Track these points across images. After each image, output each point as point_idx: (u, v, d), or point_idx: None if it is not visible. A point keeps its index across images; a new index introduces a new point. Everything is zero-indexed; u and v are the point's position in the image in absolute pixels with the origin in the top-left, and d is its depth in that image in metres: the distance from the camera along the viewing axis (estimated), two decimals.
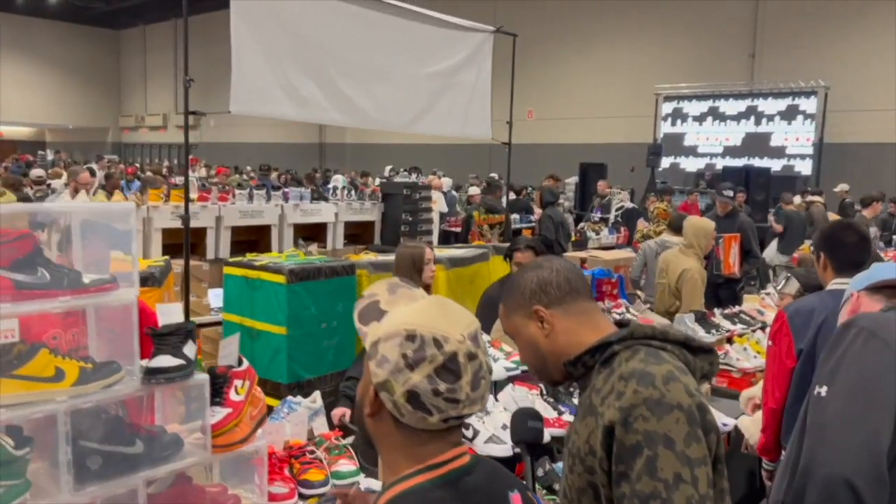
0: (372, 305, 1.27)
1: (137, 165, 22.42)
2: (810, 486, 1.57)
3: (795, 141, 16.21)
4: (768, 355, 3.05)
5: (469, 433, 2.78)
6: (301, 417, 2.60)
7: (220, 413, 2.14)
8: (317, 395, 2.79)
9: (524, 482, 1.47)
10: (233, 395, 2.20)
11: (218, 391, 2.18)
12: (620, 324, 1.60)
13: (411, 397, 1.16)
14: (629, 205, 12.10)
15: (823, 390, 1.66)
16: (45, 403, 1.79)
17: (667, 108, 17.97)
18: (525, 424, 1.76)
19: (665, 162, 17.58)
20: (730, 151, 16.97)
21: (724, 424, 3.41)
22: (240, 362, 2.31)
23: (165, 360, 2.01)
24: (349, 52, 5.05)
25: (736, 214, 7.24)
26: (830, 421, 1.61)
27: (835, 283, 2.87)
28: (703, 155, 17.53)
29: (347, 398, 3.37)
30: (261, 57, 4.48)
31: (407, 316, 1.21)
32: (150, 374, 1.97)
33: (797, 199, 11.87)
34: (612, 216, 11.67)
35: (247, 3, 4.34)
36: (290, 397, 2.74)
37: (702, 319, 4.72)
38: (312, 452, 2.51)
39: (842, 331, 1.74)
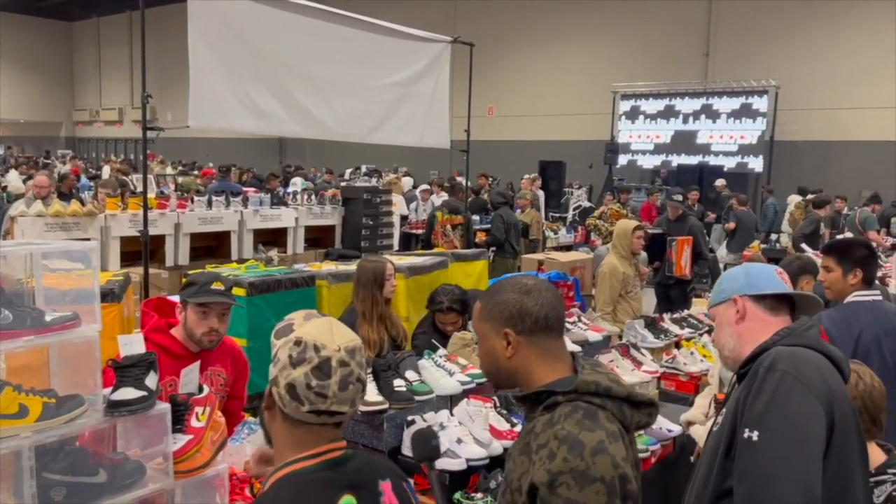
0: (287, 326, 1.57)
1: (85, 162, 22.00)
2: None
3: (742, 139, 16.66)
4: None
5: None
6: (261, 438, 2.67)
7: (182, 440, 2.22)
8: None
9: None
10: (194, 422, 2.28)
11: (179, 419, 2.25)
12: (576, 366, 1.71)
13: (290, 389, 1.45)
14: (586, 204, 12.34)
15: (755, 435, 1.71)
16: (9, 440, 1.84)
17: (624, 105, 18.27)
18: (429, 444, 1.92)
19: (622, 159, 17.91)
20: (685, 149, 17.36)
21: (670, 430, 3.58)
22: (200, 389, 2.38)
23: (128, 393, 2.07)
24: (307, 64, 5.10)
25: (686, 218, 7.47)
26: (769, 469, 1.67)
27: (857, 296, 3.39)
28: (639, 152, 17.92)
29: None
30: (219, 72, 4.51)
31: (301, 329, 1.51)
32: (113, 406, 2.03)
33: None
34: (569, 215, 11.88)
35: (204, 18, 4.36)
36: (249, 418, 2.81)
37: (651, 325, 4.89)
38: None
39: (764, 374, 1.78)
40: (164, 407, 2.15)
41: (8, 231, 5.75)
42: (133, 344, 2.22)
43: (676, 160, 16.84)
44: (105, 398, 2.06)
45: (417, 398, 3.06)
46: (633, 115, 17.98)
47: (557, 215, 11.99)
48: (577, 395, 1.59)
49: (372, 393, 2.99)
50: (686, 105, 17.31)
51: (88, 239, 6.05)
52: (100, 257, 2.27)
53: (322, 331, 1.50)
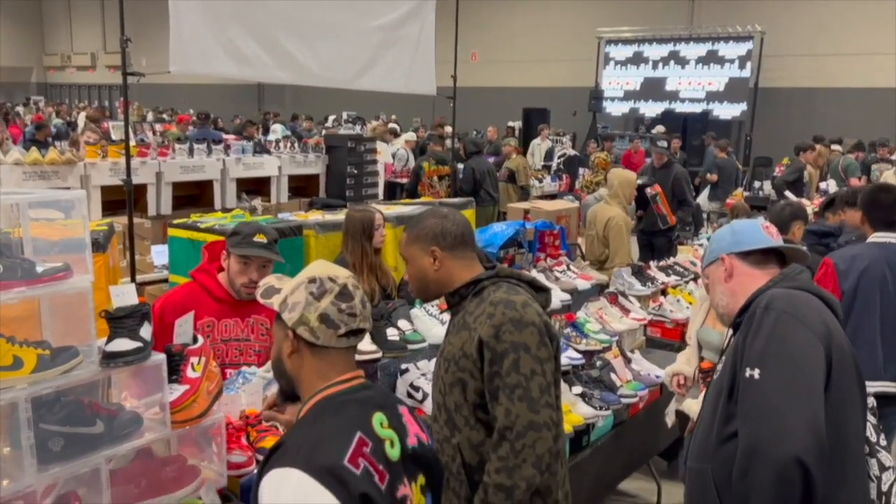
0: (269, 288, 1.72)
1: (58, 105, 21.38)
2: (760, 466, 1.69)
3: (712, 85, 16.61)
4: None
5: (419, 395, 2.92)
6: (256, 387, 2.68)
7: (178, 390, 2.21)
8: (269, 364, 2.87)
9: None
10: (189, 373, 2.26)
11: (175, 369, 2.24)
12: (487, 267, 2.14)
13: (324, 318, 1.59)
14: (571, 152, 12.26)
15: (756, 373, 1.74)
16: (5, 392, 1.82)
17: (608, 51, 18.05)
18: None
19: (607, 106, 17.78)
20: (670, 96, 17.27)
21: (657, 376, 3.63)
22: (195, 339, 2.37)
23: (123, 344, 2.05)
24: (291, 8, 4.95)
25: (671, 165, 7.46)
26: (773, 405, 1.69)
27: (875, 237, 3.61)
28: (623, 99, 17.81)
29: None
30: (200, 16, 4.37)
31: (304, 273, 1.67)
32: (108, 358, 2.01)
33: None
34: (554, 163, 11.83)
35: None
36: (244, 368, 2.80)
37: (638, 273, 4.92)
38: (269, 420, 2.61)
39: (762, 314, 1.81)
40: (159, 358, 2.14)
41: None
42: (125, 295, 2.19)
43: (659, 107, 16.76)
44: (100, 349, 2.04)
45: (410, 347, 3.07)
46: (617, 61, 17.79)
47: (542, 164, 11.92)
48: (499, 277, 2.06)
49: (365, 342, 2.99)
50: (671, 51, 17.16)
51: (68, 188, 5.95)
52: (87, 206, 2.21)
53: (325, 267, 1.68)
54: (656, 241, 7.04)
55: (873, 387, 2.87)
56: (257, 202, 7.13)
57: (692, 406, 2.99)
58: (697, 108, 16.47)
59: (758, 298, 1.89)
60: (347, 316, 1.61)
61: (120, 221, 5.44)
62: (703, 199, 10.81)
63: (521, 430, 1.85)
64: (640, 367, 3.65)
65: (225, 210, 6.38)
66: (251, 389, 2.66)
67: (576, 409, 3.16)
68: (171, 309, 2.71)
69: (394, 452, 1.54)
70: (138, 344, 2.07)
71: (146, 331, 2.14)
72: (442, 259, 2.07)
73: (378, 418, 1.56)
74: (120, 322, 2.10)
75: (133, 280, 4.62)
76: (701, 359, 3.19)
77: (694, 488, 2.00)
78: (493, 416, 1.91)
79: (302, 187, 7.97)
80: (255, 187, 7.56)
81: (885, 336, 3.46)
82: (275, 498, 1.42)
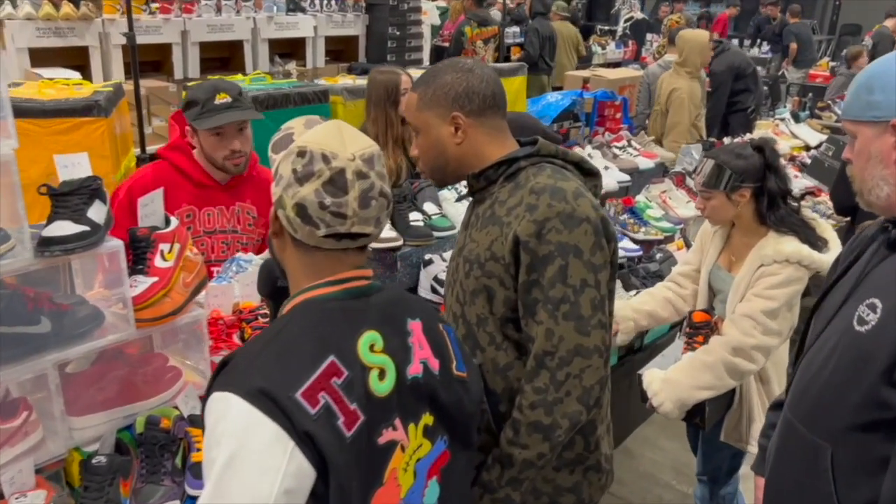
0: (286, 137, 1.38)
1: None
2: None
3: None
4: None
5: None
6: (251, 277, 2.29)
7: (144, 283, 1.84)
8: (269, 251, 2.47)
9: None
10: (158, 262, 1.89)
11: (140, 258, 1.86)
12: (524, 142, 1.65)
13: (300, 210, 1.18)
14: (638, 15, 11.15)
15: None
16: None
17: None
18: (273, 282, 1.62)
19: None
20: None
21: None
22: (167, 222, 1.97)
23: (64, 227, 1.67)
24: None
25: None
26: None
27: None
28: None
29: None
30: None
31: (304, 137, 1.22)
32: (44, 244, 1.63)
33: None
34: (619, 28, 10.80)
35: None
36: (239, 254, 2.42)
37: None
38: (266, 315, 2.24)
39: None
40: (114, 244, 1.75)
41: None
42: (75, 165, 1.78)
43: None
44: (34, 234, 1.65)
45: (436, 234, 2.64)
46: None
47: (606, 28, 10.89)
48: (539, 156, 1.59)
49: (384, 228, 2.55)
50: None
51: (87, 46, 5.52)
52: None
53: (329, 137, 1.20)
54: (731, 119, 6.32)
55: None
56: (291, 66, 6.59)
57: (652, 381, 2.21)
58: None
59: None
60: (331, 215, 1.17)
61: (144, 85, 5.01)
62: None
63: (566, 357, 1.45)
64: None
65: None
66: (246, 280, 2.28)
67: None
68: (141, 193, 2.28)
69: (382, 386, 1.17)
70: (84, 228, 1.68)
71: (97, 211, 1.74)
72: (466, 128, 1.57)
73: (368, 339, 1.18)
74: (63, 200, 1.70)
75: (143, 150, 4.23)
76: (708, 310, 2.33)
77: (796, 456, 1.42)
78: (529, 335, 1.49)
79: (340, 51, 7.36)
80: (289, 50, 6.99)
81: None
82: (214, 428, 1.09)
